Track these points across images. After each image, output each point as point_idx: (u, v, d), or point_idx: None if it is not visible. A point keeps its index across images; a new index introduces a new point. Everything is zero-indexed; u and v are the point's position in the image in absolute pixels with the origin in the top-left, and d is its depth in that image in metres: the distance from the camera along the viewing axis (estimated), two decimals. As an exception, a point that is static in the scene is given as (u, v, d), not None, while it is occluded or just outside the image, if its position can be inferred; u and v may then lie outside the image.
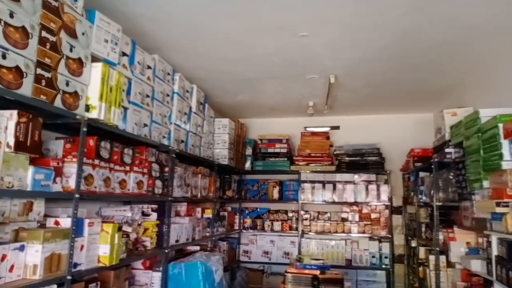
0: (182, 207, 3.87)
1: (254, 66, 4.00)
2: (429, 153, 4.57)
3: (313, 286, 3.16)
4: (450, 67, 3.94)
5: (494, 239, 2.50)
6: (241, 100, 5.29)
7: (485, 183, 2.79)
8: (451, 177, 3.66)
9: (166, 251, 3.13)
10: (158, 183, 3.16)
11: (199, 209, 4.20)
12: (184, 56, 3.74)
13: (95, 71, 2.41)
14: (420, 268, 4.33)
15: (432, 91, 4.74)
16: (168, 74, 3.53)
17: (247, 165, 5.80)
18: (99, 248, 2.32)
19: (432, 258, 3.73)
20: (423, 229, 4.41)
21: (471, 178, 3.06)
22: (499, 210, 2.45)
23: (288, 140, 5.86)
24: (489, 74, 3.70)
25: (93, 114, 2.37)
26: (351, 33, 3.21)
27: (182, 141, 3.82)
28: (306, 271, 3.15)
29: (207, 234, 4.22)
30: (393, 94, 4.91)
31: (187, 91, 3.98)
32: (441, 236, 3.68)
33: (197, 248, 4.00)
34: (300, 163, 5.66)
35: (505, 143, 2.53)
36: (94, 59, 2.44)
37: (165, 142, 3.43)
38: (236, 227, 5.72)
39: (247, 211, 5.94)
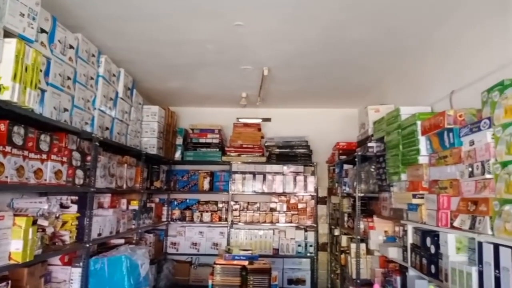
0: (106, 199, 3.66)
1: (187, 51, 3.87)
2: (353, 147, 4.81)
3: (241, 276, 3.18)
4: (373, 65, 4.16)
5: (409, 228, 2.69)
6: (172, 87, 5.12)
7: (403, 176, 2.99)
8: (372, 169, 3.88)
9: (87, 245, 2.93)
10: (79, 173, 2.94)
11: (124, 201, 4.00)
12: (111, 37, 3.51)
13: (8, 48, 2.15)
14: (342, 256, 4.57)
15: (357, 88, 4.98)
16: (93, 55, 3.29)
17: (177, 155, 5.66)
18: (10, 244, 2.10)
19: (353, 246, 3.95)
20: (346, 218, 4.66)
21: (390, 171, 3.27)
22: (415, 201, 2.64)
23: (220, 130, 5.82)
24: (408, 74, 3.97)
25: (4, 96, 2.11)
26: (285, 25, 3.24)
27: (107, 128, 3.60)
28: (235, 262, 3.16)
29: (133, 226, 4.04)
30: (321, 88, 5.08)
31: (114, 75, 3.74)
32: (362, 225, 3.90)
33: (122, 241, 3.82)
34: (232, 154, 5.65)
35: (422, 139, 2.72)
36: (8, 34, 2.17)
37: (88, 129, 3.20)
38: (164, 218, 5.57)
39: (176, 202, 5.81)
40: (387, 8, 2.90)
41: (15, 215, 2.18)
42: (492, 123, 1.91)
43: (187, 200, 5.83)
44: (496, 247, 1.67)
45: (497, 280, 1.66)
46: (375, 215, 3.74)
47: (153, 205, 5.03)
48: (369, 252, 3.77)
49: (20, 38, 2.25)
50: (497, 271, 1.67)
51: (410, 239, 2.68)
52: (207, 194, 5.83)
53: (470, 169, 2.05)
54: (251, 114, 6.12)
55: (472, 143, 2.07)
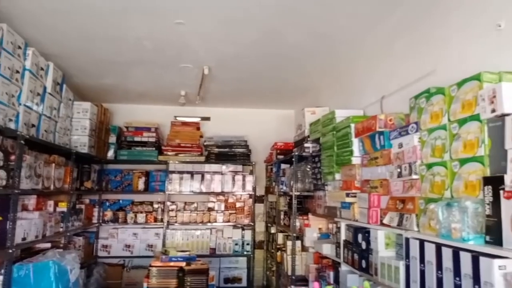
0: (31, 201, 3.39)
1: (123, 48, 3.73)
2: (290, 147, 4.94)
3: (178, 278, 3.12)
4: (309, 69, 4.31)
5: (342, 225, 2.83)
6: (105, 83, 4.88)
7: (337, 176, 3.14)
8: (308, 169, 4.02)
9: (10, 251, 2.70)
10: (2, 173, 2.69)
11: (51, 202, 3.73)
12: (41, 29, 3.28)
13: None
14: (278, 253, 4.68)
15: (294, 90, 5.13)
16: (19, 47, 3.03)
17: (110, 154, 5.40)
18: None
19: (289, 243, 4.06)
20: (282, 216, 4.77)
21: (325, 170, 3.41)
22: (348, 200, 2.78)
23: (157, 129, 5.66)
24: (341, 78, 4.17)
25: None
26: (226, 27, 3.25)
27: (33, 126, 3.33)
28: (172, 264, 3.09)
29: (61, 229, 3.79)
30: (260, 89, 5.15)
31: (42, 69, 3.47)
32: (297, 223, 4.02)
33: (48, 245, 3.56)
34: (169, 153, 5.52)
35: (355, 141, 2.87)
36: None
37: (12, 126, 2.94)
38: (95, 220, 5.29)
39: (108, 203, 5.55)
40: (321, 14, 3.02)
41: None
42: (419, 127, 2.07)
43: (120, 201, 5.59)
44: (422, 242, 1.82)
45: (422, 273, 1.81)
46: (310, 213, 3.88)
47: (83, 206, 4.75)
48: (304, 249, 3.90)
49: None
50: (422, 265, 1.81)
51: (343, 236, 2.81)
52: (142, 195, 5.63)
53: (398, 170, 2.20)
54: (190, 113, 6.03)
55: (400, 145, 2.22)
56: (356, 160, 2.85)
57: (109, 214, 5.44)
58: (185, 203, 5.63)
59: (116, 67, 4.29)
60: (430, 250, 1.74)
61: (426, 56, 2.58)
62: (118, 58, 3.98)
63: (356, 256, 2.54)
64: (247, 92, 5.29)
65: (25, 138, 2.99)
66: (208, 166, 5.65)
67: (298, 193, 4.06)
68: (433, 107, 1.96)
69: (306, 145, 3.93)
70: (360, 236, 2.50)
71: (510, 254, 1.37)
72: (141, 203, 5.61)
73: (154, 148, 5.52)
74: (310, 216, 3.84)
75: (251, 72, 4.42)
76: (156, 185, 5.57)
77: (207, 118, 6.12)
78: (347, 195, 2.78)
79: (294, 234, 4.02)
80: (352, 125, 2.91)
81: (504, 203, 1.42)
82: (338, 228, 2.92)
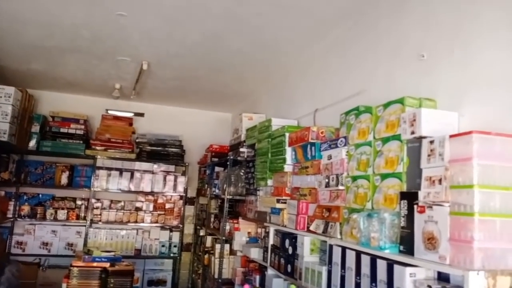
0: None
1: (56, 34, 3.52)
2: (225, 150, 4.98)
3: (101, 279, 3.00)
4: (248, 75, 4.40)
5: (271, 230, 2.92)
6: (33, 68, 4.55)
7: (269, 182, 3.24)
8: (242, 173, 4.08)
9: None
10: None
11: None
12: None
13: None
14: (206, 256, 4.67)
15: (232, 94, 5.19)
16: None
17: (32, 144, 5.02)
18: None
19: (218, 246, 4.08)
20: (212, 219, 4.78)
21: (258, 176, 3.50)
22: (278, 205, 2.87)
23: (86, 121, 5.38)
24: (279, 87, 4.31)
25: None
26: (168, 25, 3.21)
27: None
28: (95, 264, 2.96)
29: (-31, 223, 3.46)
30: (198, 90, 5.13)
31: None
32: (227, 226, 4.06)
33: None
34: (98, 147, 5.27)
35: (288, 149, 2.99)
36: None
37: None
38: (10, 215, 4.88)
39: (26, 197, 5.15)
40: (264, 25, 3.11)
41: None
42: (348, 142, 2.21)
43: (40, 195, 5.23)
44: (344, 249, 1.95)
45: (342, 278, 1.94)
46: (241, 217, 3.93)
47: (-4, 199, 4.38)
48: (232, 252, 3.95)
49: None
50: (343, 270, 1.94)
51: (271, 241, 2.91)
52: (64, 190, 5.29)
53: (326, 180, 2.33)
54: (123, 107, 5.80)
55: (330, 157, 2.36)
56: (288, 167, 2.96)
57: (26, 208, 5.03)
58: (111, 201, 5.40)
59: (47, 53, 4.02)
60: (350, 257, 1.88)
61: (358, 75, 2.77)
62: (49, 43, 3.73)
63: (282, 261, 2.64)
64: (185, 92, 5.24)
65: None
66: (139, 164, 5.48)
67: (230, 197, 4.10)
68: (361, 124, 2.12)
69: (241, 149, 3.99)
70: (287, 241, 2.61)
71: (420, 263, 1.53)
72: (63, 198, 5.28)
73: (81, 141, 5.23)
74: (240, 220, 3.90)
75: (191, 72, 4.40)
76: (81, 181, 5.27)
77: (141, 114, 5.93)
78: (278, 201, 2.88)
79: (223, 237, 4.05)
80: (287, 134, 3.02)
81: (417, 216, 1.58)
82: (267, 233, 3.01)
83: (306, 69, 3.69)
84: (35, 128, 5.07)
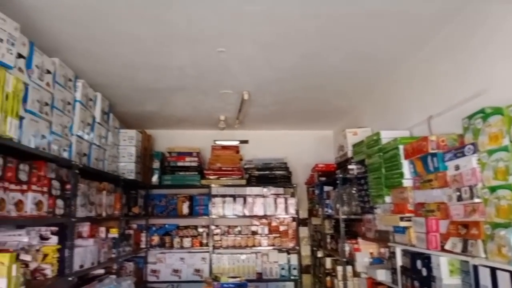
0: (84, 228, 3.50)
1: (165, 76, 3.85)
2: (331, 168, 4.87)
3: (230, 305, 3.11)
4: (348, 90, 4.28)
5: (398, 251, 2.73)
6: (148, 110, 5.05)
7: (387, 199, 3.06)
8: (354, 191, 3.94)
9: (70, 278, 2.79)
10: (59, 202, 2.81)
11: (103, 229, 3.84)
12: (87, 60, 3.43)
13: (-13, 75, 2.06)
14: (328, 278, 4.55)
15: (332, 111, 5.09)
16: (70, 80, 3.19)
17: (154, 179, 5.52)
18: (-8, 283, 1.96)
19: (339, 268, 3.95)
20: (328, 240, 4.67)
21: (373, 193, 3.33)
22: (402, 224, 2.68)
23: (198, 153, 5.75)
24: (383, 98, 4.10)
25: (-15, 126, 2.02)
26: (265, 52, 3.30)
27: (85, 155, 3.48)
28: (223, 291, 3.09)
29: (113, 255, 3.88)
30: (298, 111, 5.15)
31: (91, 99, 3.64)
32: (347, 247, 3.91)
33: (102, 271, 3.65)
34: (211, 177, 5.58)
35: (405, 163, 2.80)
36: (-14, 61, 2.09)
37: (66, 155, 3.08)
38: (143, 245, 5.37)
39: (154, 228, 5.64)
40: (361, 37, 3.02)
41: (-5, 251, 2.05)
42: (477, 149, 1.99)
43: (166, 226, 5.68)
44: (493, 270, 1.72)
45: (496, 304, 1.71)
46: (360, 236, 3.77)
47: (131, 232, 4.86)
48: (355, 274, 3.78)
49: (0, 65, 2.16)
50: (495, 295, 1.71)
51: (399, 262, 2.71)
52: (186, 219, 5.68)
53: (458, 193, 2.11)
54: (228, 136, 6.09)
55: (457, 167, 2.14)
56: (407, 182, 2.78)
57: (156, 239, 5.53)
58: (229, 226, 5.64)
59: (158, 94, 4.42)
60: (503, 279, 1.65)
61: (473, 75, 2.51)
62: (160, 85, 4.10)
63: (417, 284, 2.43)
64: (285, 114, 5.30)
65: (79, 167, 3.11)
66: (250, 189, 5.65)
67: (345, 216, 3.97)
68: (490, 128, 1.89)
69: (350, 166, 3.88)
70: (419, 262, 2.40)
71: None
72: (186, 227, 5.66)
73: (196, 172, 5.60)
74: (359, 240, 3.73)
75: (290, 94, 4.43)
76: (200, 209, 5.62)
77: (245, 141, 6.16)
78: (402, 219, 2.69)
79: (344, 259, 3.91)
80: (401, 147, 2.85)
81: None
82: (393, 253, 2.82)
83: (411, 77, 3.46)
84: (156, 164, 5.58)
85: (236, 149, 5.91)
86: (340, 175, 4.13)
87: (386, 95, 4.04)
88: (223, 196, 5.58)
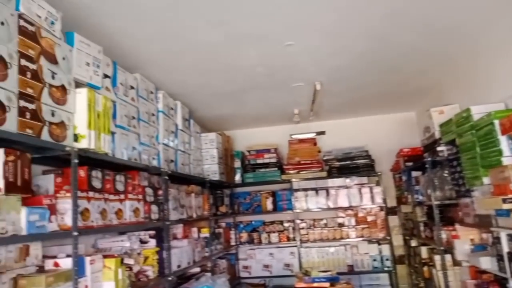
0: (178, 230, 3.74)
1: (237, 77, 3.93)
2: (418, 152, 4.59)
3: (324, 299, 3.09)
4: (428, 68, 3.98)
5: (503, 236, 2.48)
6: (224, 112, 5.21)
7: (485, 180, 2.79)
8: (446, 174, 3.66)
9: (170, 278, 2.99)
10: (154, 208, 3.03)
11: (195, 229, 4.06)
12: (165, 72, 3.63)
13: (80, 98, 2.27)
14: (425, 268, 4.29)
15: (411, 91, 4.78)
16: (151, 92, 3.41)
17: (237, 178, 5.70)
18: (103, 286, 2.18)
19: (437, 258, 3.70)
20: (422, 228, 4.41)
21: (468, 175, 3.07)
22: (505, 206, 2.43)
23: (276, 149, 5.80)
24: (470, 72, 3.73)
25: (82, 144, 2.23)
26: (333, 40, 3.20)
27: (172, 161, 3.70)
28: (315, 285, 3.07)
29: (206, 254, 4.09)
30: (374, 96, 4.92)
31: (172, 109, 3.86)
32: (443, 235, 3.66)
33: (198, 269, 3.87)
34: (291, 171, 5.59)
35: (503, 139, 2.55)
36: (77, 84, 2.30)
37: (155, 163, 3.30)
38: (233, 242, 5.58)
39: (242, 225, 5.81)
40: (435, 13, 2.79)
41: (103, 256, 2.27)
42: None
43: (253, 222, 5.81)
44: None
45: None
46: (457, 223, 3.49)
47: (221, 230, 5.08)
48: (456, 263, 3.52)
49: (89, 87, 2.37)
50: None
51: (505, 247, 2.46)
52: (271, 214, 5.75)
53: None
54: (303, 129, 6.03)
55: None
56: (507, 160, 2.52)
57: (244, 235, 5.70)
58: (314, 220, 5.60)
59: (233, 96, 4.53)
60: None
61: None
62: (233, 86, 4.19)
63: (529, 272, 2.19)
64: (361, 100, 5.09)
65: (168, 174, 3.32)
66: (331, 180, 5.55)
67: (438, 202, 3.71)
68: None
69: (439, 148, 3.62)
70: (530, 248, 2.16)
71: None
72: (272, 222, 5.75)
73: (276, 168, 5.66)
74: (457, 226, 3.46)
75: (363, 79, 4.25)
76: (283, 204, 5.67)
77: (322, 133, 6.04)
78: (504, 201, 2.44)
79: (442, 248, 3.65)
80: (496, 122, 2.60)
81: None
82: (497, 239, 2.57)
83: (500, 45, 3.11)
84: (237, 163, 5.76)
85: (313, 141, 5.84)
86: (429, 159, 3.88)
87: (473, 67, 3.68)
88: (305, 189, 5.56)
